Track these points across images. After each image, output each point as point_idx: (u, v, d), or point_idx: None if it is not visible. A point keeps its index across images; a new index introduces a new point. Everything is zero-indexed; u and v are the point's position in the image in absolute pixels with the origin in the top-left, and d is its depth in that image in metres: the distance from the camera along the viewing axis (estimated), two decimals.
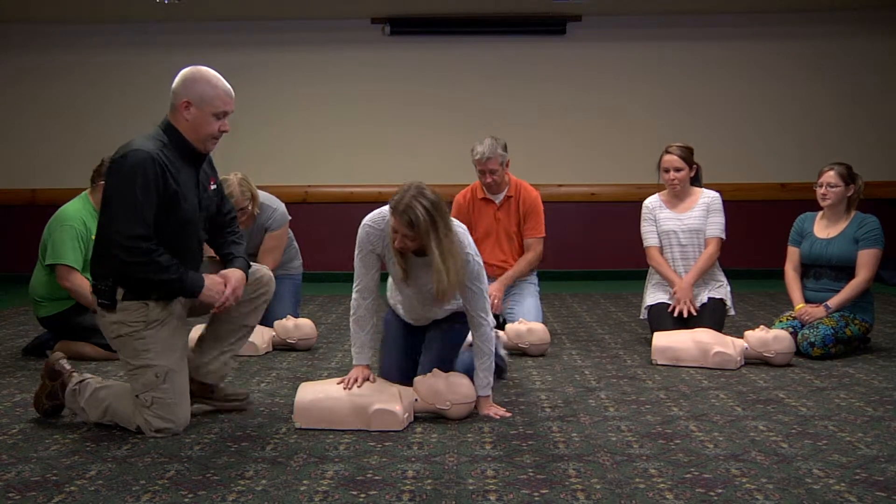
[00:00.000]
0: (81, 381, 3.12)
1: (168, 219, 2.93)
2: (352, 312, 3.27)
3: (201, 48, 7.95)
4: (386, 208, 3.14)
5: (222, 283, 3.03)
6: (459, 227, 3.17)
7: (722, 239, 4.57)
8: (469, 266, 3.11)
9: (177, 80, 3.00)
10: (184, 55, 7.89)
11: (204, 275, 3.03)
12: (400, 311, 3.51)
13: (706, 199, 4.58)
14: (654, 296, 4.62)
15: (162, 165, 2.89)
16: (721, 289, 4.56)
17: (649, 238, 4.65)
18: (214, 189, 3.17)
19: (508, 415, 3.18)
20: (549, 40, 7.95)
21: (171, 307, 3.02)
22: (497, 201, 4.73)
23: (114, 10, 7.54)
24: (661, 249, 4.62)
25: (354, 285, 3.24)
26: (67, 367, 3.20)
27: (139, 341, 2.97)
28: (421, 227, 2.96)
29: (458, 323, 3.42)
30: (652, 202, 4.68)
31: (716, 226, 4.55)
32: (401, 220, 2.97)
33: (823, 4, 7.70)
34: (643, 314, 4.70)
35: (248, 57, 7.97)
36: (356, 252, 3.22)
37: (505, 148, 4.65)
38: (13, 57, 8.03)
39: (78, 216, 4.23)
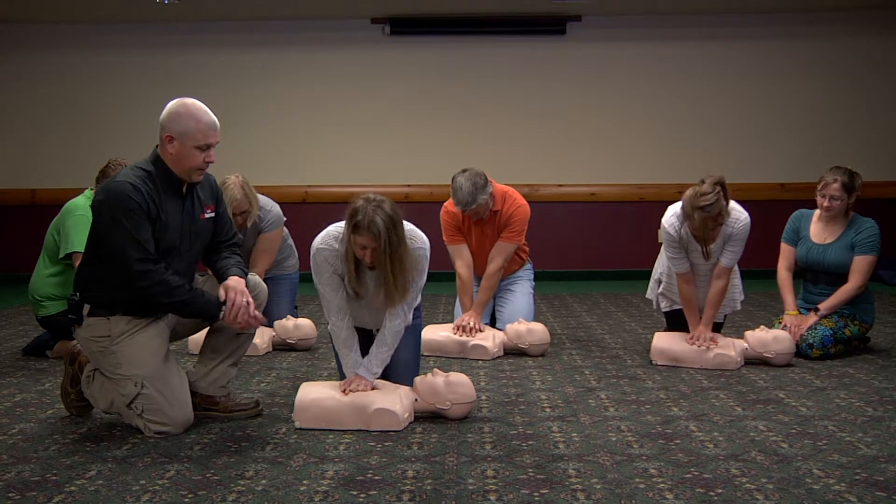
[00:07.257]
0: (96, 369, 3.12)
1: None
2: (334, 338, 3.22)
3: (201, 48, 7.97)
4: (332, 228, 3.20)
5: (233, 293, 2.99)
6: (407, 225, 3.18)
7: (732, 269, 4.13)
8: (419, 262, 3.19)
9: (164, 112, 2.99)
10: (184, 55, 8.00)
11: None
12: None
13: (728, 230, 4.00)
14: (675, 298, 4.31)
15: (142, 192, 2.90)
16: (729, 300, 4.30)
17: (680, 265, 4.11)
18: (210, 217, 3.16)
19: (367, 390, 3.09)
20: (549, 40, 7.94)
21: (137, 319, 3.02)
22: (485, 217, 4.56)
23: (113, 10, 7.53)
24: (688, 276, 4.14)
25: (327, 311, 3.21)
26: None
27: (110, 356, 2.99)
28: (382, 238, 2.99)
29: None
30: (678, 232, 4.06)
31: (731, 255, 4.05)
32: (368, 235, 2.99)
33: (823, 4, 7.69)
34: (649, 292, 4.48)
35: (248, 57, 7.97)
36: (317, 279, 3.19)
37: (485, 183, 4.34)
38: (13, 57, 8.02)
39: (87, 205, 4.27)
